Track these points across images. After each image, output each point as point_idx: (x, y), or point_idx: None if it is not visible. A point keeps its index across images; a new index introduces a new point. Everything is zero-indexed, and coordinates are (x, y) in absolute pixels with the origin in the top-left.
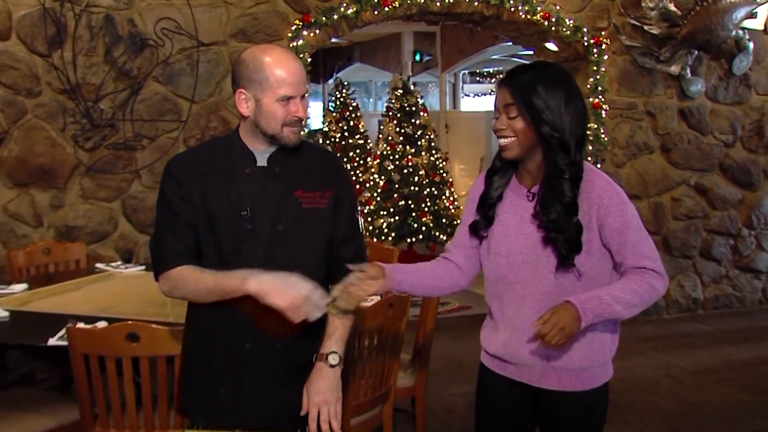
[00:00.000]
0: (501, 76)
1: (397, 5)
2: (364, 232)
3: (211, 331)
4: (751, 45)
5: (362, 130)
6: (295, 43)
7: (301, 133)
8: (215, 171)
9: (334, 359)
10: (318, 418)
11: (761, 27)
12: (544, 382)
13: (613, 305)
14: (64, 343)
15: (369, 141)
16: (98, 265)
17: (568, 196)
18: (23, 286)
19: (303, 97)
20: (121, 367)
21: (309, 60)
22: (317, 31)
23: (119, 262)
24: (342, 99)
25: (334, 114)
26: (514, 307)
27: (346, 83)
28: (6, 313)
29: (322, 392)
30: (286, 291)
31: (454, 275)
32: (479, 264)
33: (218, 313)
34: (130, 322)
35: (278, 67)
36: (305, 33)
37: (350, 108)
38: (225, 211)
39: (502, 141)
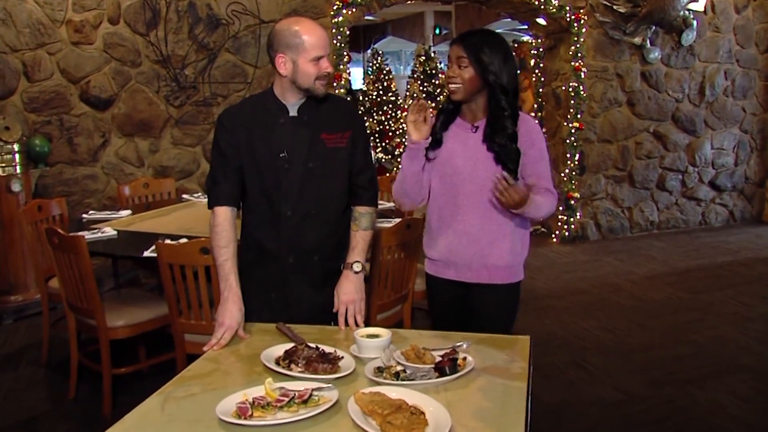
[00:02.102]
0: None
1: None
2: (375, 163)
3: (262, 250)
4: (695, 23)
5: (394, 89)
6: (336, 20)
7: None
8: (257, 122)
9: (357, 267)
10: (345, 313)
11: (702, 9)
12: (479, 277)
13: (537, 211)
14: (155, 254)
15: (399, 98)
16: (184, 196)
17: (510, 128)
18: (128, 211)
19: (329, 55)
20: (196, 275)
21: (348, 33)
22: (354, 10)
23: (200, 194)
24: (378, 65)
25: (371, 77)
26: (455, 215)
27: (381, 52)
28: (115, 232)
29: (349, 293)
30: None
31: (425, 187)
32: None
33: (267, 236)
34: (202, 239)
35: (308, 34)
36: (344, 11)
37: (384, 72)
38: (267, 154)
39: (452, 86)
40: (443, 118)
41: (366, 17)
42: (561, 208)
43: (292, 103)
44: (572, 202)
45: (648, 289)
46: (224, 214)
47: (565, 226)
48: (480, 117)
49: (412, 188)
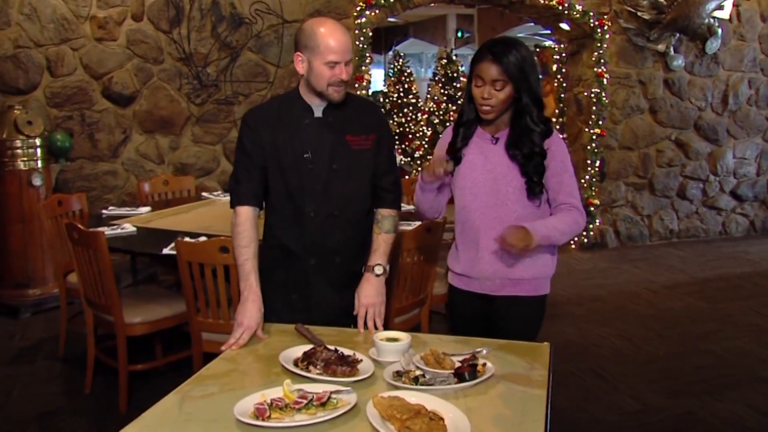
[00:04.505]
0: (485, 48)
1: None
2: (399, 166)
3: (284, 250)
4: (720, 31)
5: (414, 92)
6: (359, 21)
7: (345, 90)
8: (282, 122)
9: (378, 270)
10: (365, 316)
11: (727, 17)
12: (503, 290)
13: (553, 232)
14: (174, 252)
15: (419, 100)
16: (203, 193)
17: (538, 145)
18: (147, 208)
19: (347, 63)
20: (215, 273)
21: (371, 34)
22: (377, 11)
23: (219, 192)
24: (399, 67)
25: (392, 78)
26: (476, 230)
27: (402, 54)
28: (134, 229)
29: (369, 296)
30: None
31: (444, 201)
32: (449, 197)
33: (290, 236)
34: (222, 238)
35: (327, 37)
36: (367, 12)
37: (405, 74)
38: (291, 154)
39: (485, 108)
40: (463, 132)
41: (388, 19)
42: None
43: (317, 104)
44: (592, 208)
45: (666, 298)
46: (246, 213)
47: (584, 233)
48: (502, 128)
49: (428, 209)
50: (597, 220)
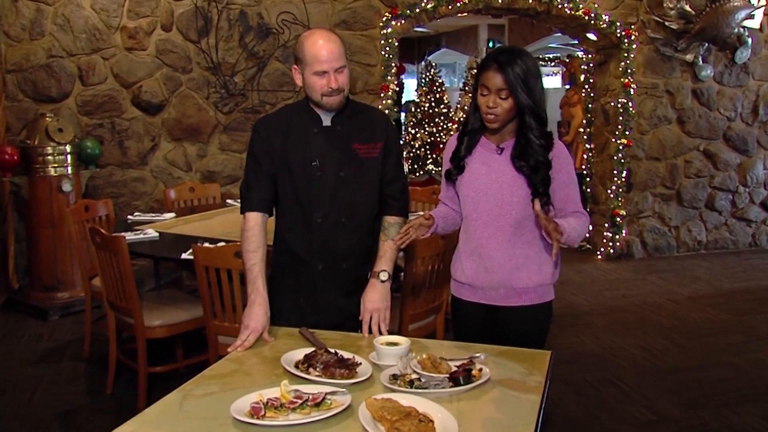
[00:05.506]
0: (491, 57)
1: (467, 1)
2: (407, 174)
3: (293, 255)
4: (749, 40)
5: (446, 101)
6: (385, 31)
7: (342, 98)
8: (292, 130)
9: (384, 276)
10: (370, 321)
11: (757, 26)
12: (508, 301)
13: (573, 233)
14: (191, 257)
15: (451, 110)
16: (228, 200)
17: (542, 156)
18: (172, 214)
19: (337, 70)
20: (231, 277)
21: (396, 44)
22: (403, 22)
23: None
24: (430, 77)
25: (424, 88)
26: (479, 239)
27: (434, 64)
28: (156, 234)
29: (374, 301)
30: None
31: (457, 216)
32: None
33: (298, 242)
34: (238, 243)
35: (313, 48)
36: (393, 23)
37: (436, 84)
38: (300, 162)
39: (491, 117)
40: (467, 141)
41: (420, 29)
42: (607, 225)
43: (326, 113)
44: (618, 219)
45: (690, 309)
46: (255, 219)
47: (611, 244)
48: (507, 138)
49: (441, 221)
50: (623, 231)
